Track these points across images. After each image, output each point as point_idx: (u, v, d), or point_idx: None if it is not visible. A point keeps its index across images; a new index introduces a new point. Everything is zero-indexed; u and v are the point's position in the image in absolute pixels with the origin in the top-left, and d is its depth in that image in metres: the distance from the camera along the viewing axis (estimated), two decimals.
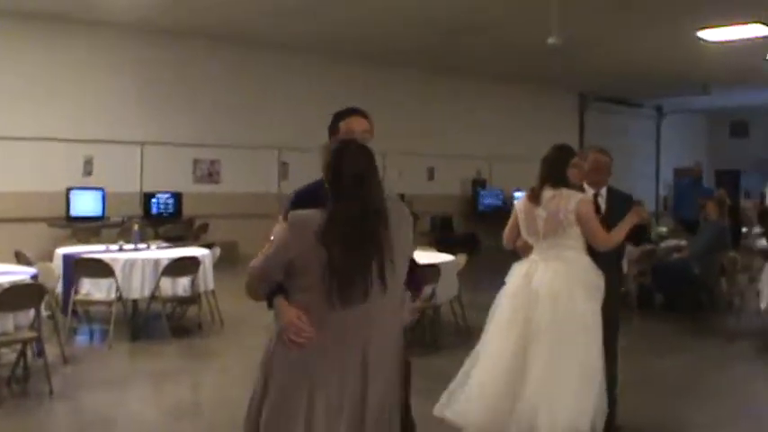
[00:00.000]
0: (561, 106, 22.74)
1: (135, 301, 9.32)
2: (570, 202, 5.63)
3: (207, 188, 16.42)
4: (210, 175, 16.53)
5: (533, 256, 5.74)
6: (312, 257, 3.22)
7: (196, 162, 16.33)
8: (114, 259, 8.95)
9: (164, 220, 15.12)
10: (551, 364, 5.37)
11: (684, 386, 7.98)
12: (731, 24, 13.78)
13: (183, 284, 9.34)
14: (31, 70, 14.41)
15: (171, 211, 15.41)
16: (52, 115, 14.56)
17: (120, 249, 9.61)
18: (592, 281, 5.64)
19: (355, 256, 3.26)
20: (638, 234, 6.20)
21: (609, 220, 5.87)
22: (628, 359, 6.83)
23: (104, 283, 8.87)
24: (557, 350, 5.44)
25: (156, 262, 9.05)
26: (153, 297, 9.06)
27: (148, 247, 9.98)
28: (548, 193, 5.70)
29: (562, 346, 5.48)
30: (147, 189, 15.42)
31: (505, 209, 19.07)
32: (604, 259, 5.78)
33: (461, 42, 16.02)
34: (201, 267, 9.36)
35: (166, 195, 15.38)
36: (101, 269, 8.78)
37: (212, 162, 16.54)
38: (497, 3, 12.98)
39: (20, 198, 14.13)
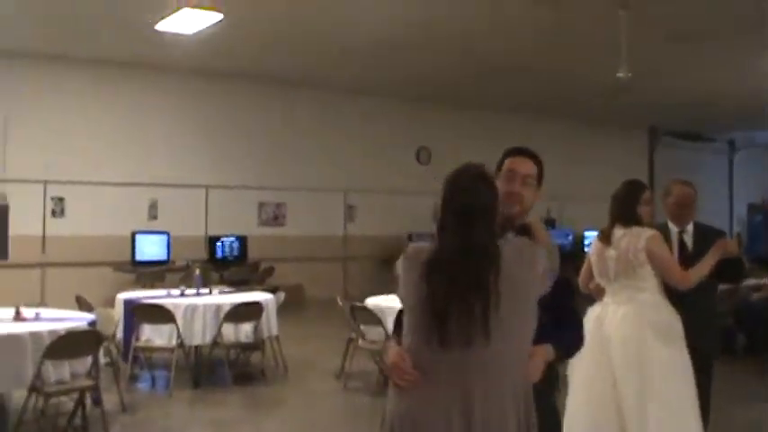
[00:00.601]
0: (631, 143, 22.13)
1: (197, 348, 9.03)
2: (640, 240, 5.23)
3: (272, 231, 16.22)
4: (276, 218, 16.34)
5: (606, 299, 5.38)
6: (416, 293, 3.00)
7: (261, 205, 16.15)
8: (176, 305, 8.69)
9: (228, 264, 14.92)
10: (642, 413, 5.03)
11: None
12: None
13: (245, 330, 9.03)
14: (98, 115, 14.49)
15: (236, 254, 15.21)
16: (118, 159, 14.56)
17: (182, 294, 9.36)
18: (664, 324, 5.24)
19: (453, 297, 2.94)
20: (732, 270, 5.74)
21: (698, 259, 5.48)
22: (713, 408, 6.37)
23: (165, 329, 8.60)
24: (641, 400, 5.07)
25: (218, 307, 8.76)
26: (215, 343, 8.77)
27: (210, 292, 9.70)
28: (618, 232, 5.33)
29: (645, 395, 5.10)
30: (213, 232, 15.27)
31: (575, 249, 18.66)
32: (693, 300, 5.37)
33: (526, 81, 15.66)
34: (264, 312, 9.04)
35: (231, 239, 15.20)
36: (161, 315, 8.52)
37: (278, 205, 16.35)
38: (565, 42, 12.62)
39: (86, 242, 14.15)
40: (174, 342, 8.56)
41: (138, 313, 8.64)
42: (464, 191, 3.07)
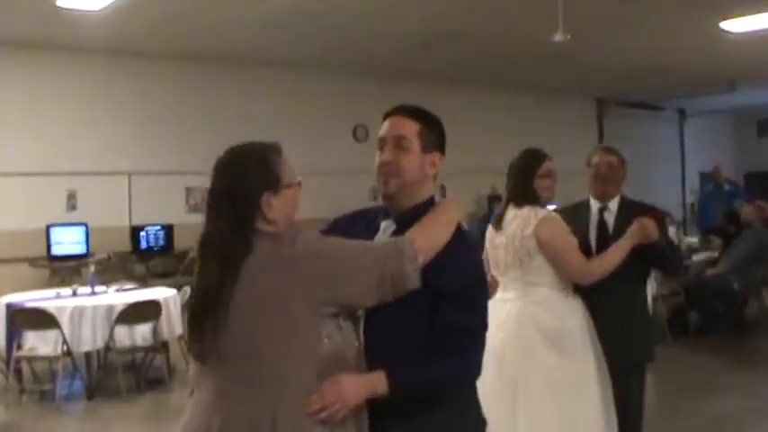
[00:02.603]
0: (578, 113, 21.04)
1: (88, 355, 7.94)
2: (529, 223, 4.23)
3: (201, 218, 14.96)
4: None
5: (497, 296, 4.38)
6: None
7: (189, 191, 14.95)
8: (61, 307, 7.64)
9: (153, 255, 13.77)
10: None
11: None
12: (758, 12, 12.20)
13: (142, 332, 7.96)
14: (6, 100, 13.24)
15: (162, 244, 14.00)
16: (29, 148, 13.35)
17: (74, 294, 8.26)
18: (558, 329, 4.24)
19: (193, 300, 2.64)
20: (658, 260, 4.66)
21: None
22: (663, 402, 5.43)
23: (51, 335, 7.53)
24: (527, 419, 4.11)
25: (110, 308, 7.74)
26: (108, 349, 7.68)
27: (107, 291, 8.59)
28: (510, 213, 4.35)
29: (532, 413, 4.11)
30: (137, 222, 14.04)
31: None
32: (615, 296, 4.36)
33: (466, 50, 14.61)
34: (165, 311, 7.97)
35: (156, 228, 14.00)
36: (43, 320, 7.51)
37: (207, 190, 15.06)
38: (501, 4, 11.55)
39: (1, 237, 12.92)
40: (59, 349, 7.48)
41: (17, 319, 7.57)
42: (213, 172, 2.70)
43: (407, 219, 2.80)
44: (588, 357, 4.23)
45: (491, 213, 18.78)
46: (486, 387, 4.19)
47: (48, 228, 13.02)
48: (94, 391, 7.71)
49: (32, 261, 12.82)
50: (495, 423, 4.06)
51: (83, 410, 7.50)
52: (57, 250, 13.01)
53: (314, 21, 11.99)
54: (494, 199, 19.36)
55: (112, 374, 8.09)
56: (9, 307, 7.79)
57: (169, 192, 14.70)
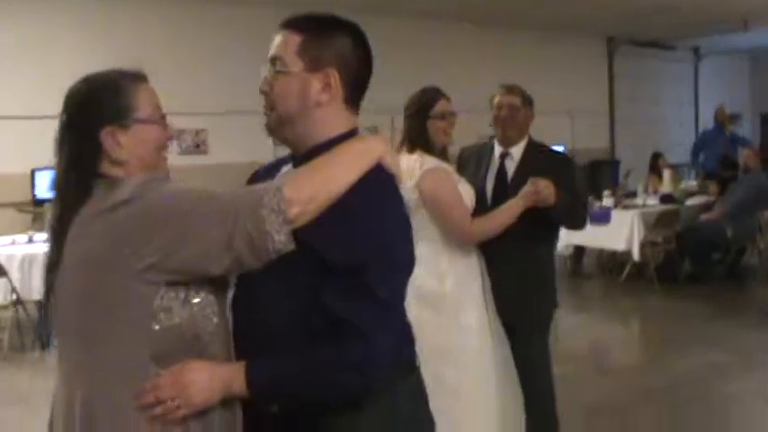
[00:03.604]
0: (588, 52, 20.16)
1: (40, 304, 7.62)
2: (413, 175, 3.80)
3: (193, 160, 14.57)
4: (197, 146, 14.71)
5: None
6: None
7: (180, 133, 14.46)
8: (10, 255, 7.27)
9: None
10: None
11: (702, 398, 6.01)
12: None
13: None
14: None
15: None
16: (17, 90, 12.99)
17: (30, 241, 7.92)
18: (433, 290, 3.79)
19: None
20: (557, 218, 4.14)
21: (516, 193, 3.98)
22: (643, 354, 5.07)
23: (1, 283, 7.20)
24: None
25: None
26: None
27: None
28: (402, 161, 3.78)
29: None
30: None
31: None
32: (511, 254, 3.91)
33: None
34: None
35: None
36: None
37: (197, 132, 14.63)
38: None
39: None
40: (8, 298, 7.16)
41: None
42: (63, 103, 2.22)
43: (304, 163, 2.16)
44: (472, 319, 3.80)
45: None
46: None
47: (32, 171, 12.60)
48: (47, 342, 7.40)
49: (18, 206, 12.50)
50: None
51: (34, 361, 7.19)
52: (41, 194, 12.69)
53: None
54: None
55: None
56: None
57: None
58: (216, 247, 1.91)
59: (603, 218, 9.88)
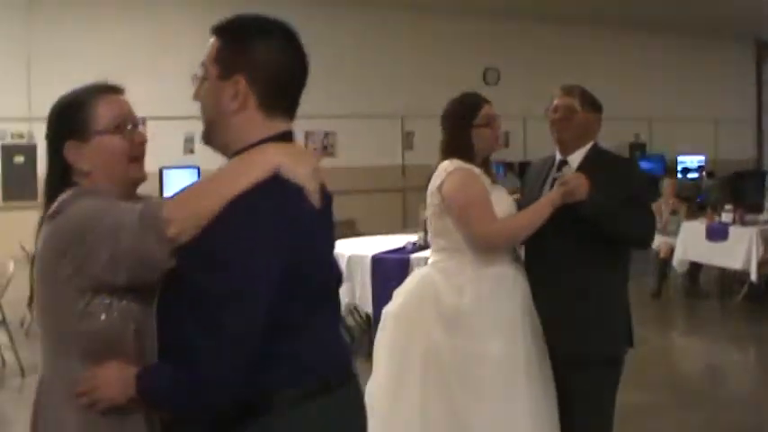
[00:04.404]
0: (733, 56, 19.13)
1: None
2: (439, 177, 3.59)
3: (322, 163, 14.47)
4: (325, 147, 14.62)
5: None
6: None
7: (308, 135, 14.40)
8: None
9: None
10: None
11: None
12: None
13: None
14: (123, 47, 13.19)
15: None
16: (152, 92, 13.23)
17: None
18: (452, 303, 3.45)
19: None
20: (589, 219, 3.46)
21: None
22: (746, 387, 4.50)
23: None
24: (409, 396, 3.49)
25: None
26: None
27: None
28: (437, 170, 3.64)
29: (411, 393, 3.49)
30: None
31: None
32: (569, 271, 3.45)
33: None
34: None
35: None
36: None
37: (326, 134, 14.57)
38: None
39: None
40: None
41: None
42: None
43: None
44: (494, 347, 3.38)
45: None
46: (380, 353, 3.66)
47: (161, 170, 12.92)
48: None
49: None
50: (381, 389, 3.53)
51: None
52: (169, 192, 12.86)
53: None
54: (636, 147, 18.08)
55: None
56: None
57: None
58: (109, 262, 1.99)
59: (720, 234, 9.23)
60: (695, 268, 10.02)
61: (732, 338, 8.39)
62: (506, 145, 16.23)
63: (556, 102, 3.76)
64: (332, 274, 2.30)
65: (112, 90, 2.35)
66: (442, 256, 3.58)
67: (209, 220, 1.95)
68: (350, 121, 14.49)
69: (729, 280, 10.02)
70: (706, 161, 17.67)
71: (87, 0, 12.96)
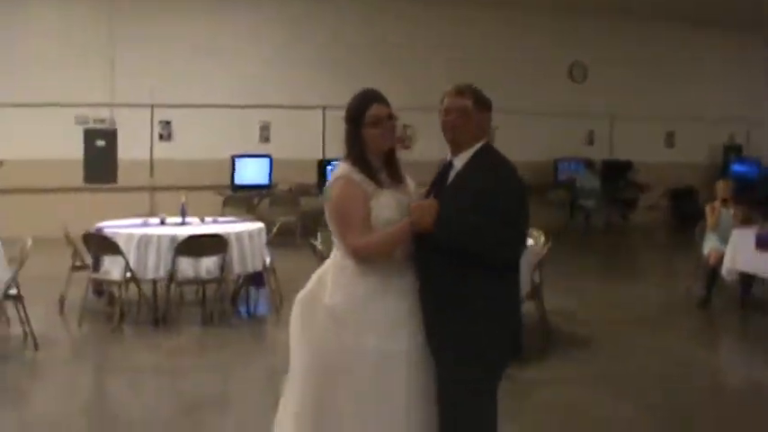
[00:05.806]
0: None
1: (155, 283, 7.87)
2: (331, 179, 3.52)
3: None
4: (402, 140, 14.64)
5: None
6: None
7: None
8: (130, 235, 7.58)
9: None
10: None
11: None
12: None
13: (206, 265, 7.76)
14: (202, 37, 13.61)
15: None
16: (225, 82, 13.70)
17: (162, 223, 8.25)
18: (339, 303, 3.41)
19: None
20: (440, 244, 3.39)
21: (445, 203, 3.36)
22: None
23: (121, 260, 7.53)
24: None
25: (173, 239, 7.53)
26: (171, 279, 7.58)
27: (202, 222, 8.52)
28: None
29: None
30: (329, 155, 13.66)
31: (763, 182, 15.53)
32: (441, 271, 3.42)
33: None
34: (238, 245, 7.77)
35: None
36: (106, 246, 7.47)
37: (404, 125, 14.26)
38: None
39: (193, 165, 13.36)
40: (124, 275, 7.49)
41: (87, 243, 7.65)
42: None
43: None
44: (373, 340, 3.37)
45: (725, 163, 16.82)
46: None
47: (233, 158, 13.16)
48: (160, 321, 7.62)
49: (217, 189, 13.11)
50: None
51: (135, 335, 7.41)
52: (240, 180, 13.27)
53: None
54: (730, 149, 17.33)
55: (180, 305, 8.09)
56: (96, 231, 7.90)
57: None
58: None
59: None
60: (747, 279, 9.28)
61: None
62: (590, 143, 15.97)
63: (447, 103, 3.58)
64: None
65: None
66: (338, 256, 3.55)
67: None
68: (426, 114, 14.46)
69: None
70: None
71: None
